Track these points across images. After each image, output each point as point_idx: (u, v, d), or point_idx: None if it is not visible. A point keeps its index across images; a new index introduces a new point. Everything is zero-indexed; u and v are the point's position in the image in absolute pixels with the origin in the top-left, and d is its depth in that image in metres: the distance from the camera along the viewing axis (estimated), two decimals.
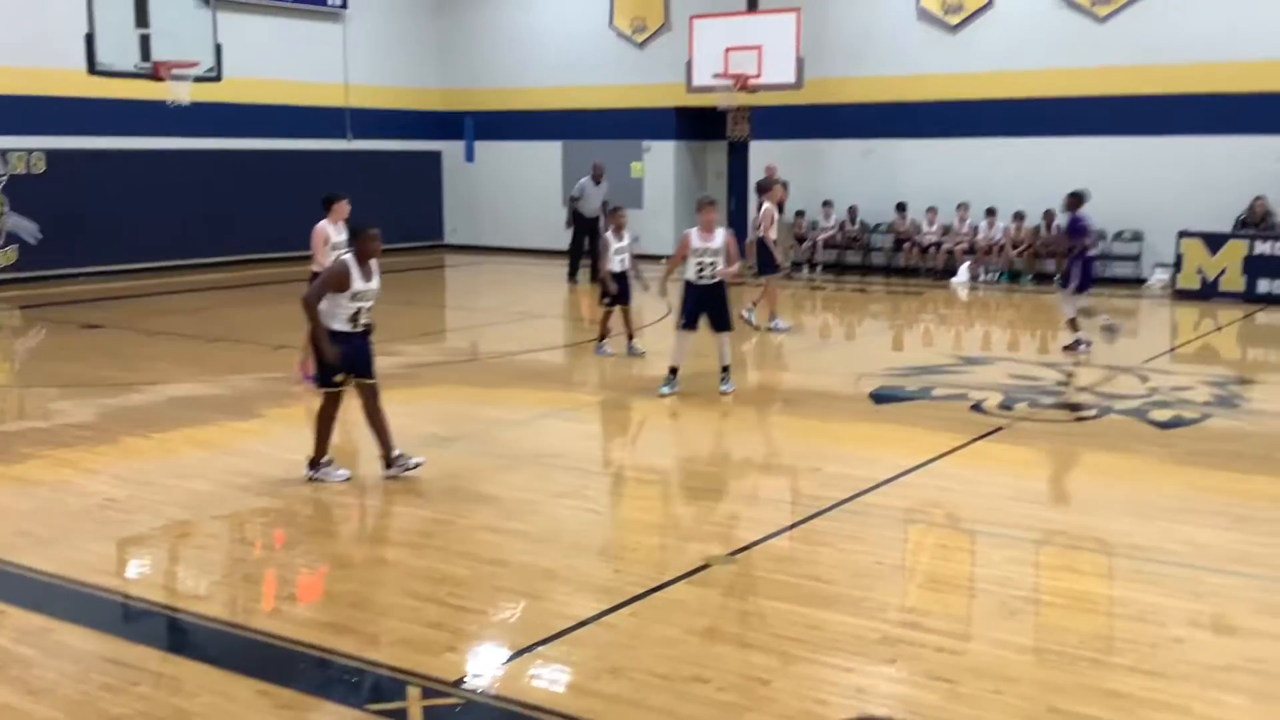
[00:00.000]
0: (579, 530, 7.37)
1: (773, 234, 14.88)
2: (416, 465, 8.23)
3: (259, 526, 7.47)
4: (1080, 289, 13.09)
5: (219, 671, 5.21)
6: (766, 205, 15.02)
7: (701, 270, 10.68)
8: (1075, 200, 13.07)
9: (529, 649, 5.40)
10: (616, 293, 12.71)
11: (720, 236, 10.70)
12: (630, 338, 13.04)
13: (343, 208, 11.52)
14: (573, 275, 20.83)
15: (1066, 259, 13.21)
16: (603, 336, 13.12)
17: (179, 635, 5.82)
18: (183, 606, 6.06)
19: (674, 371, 10.98)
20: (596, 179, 20.96)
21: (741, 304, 14.43)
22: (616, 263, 12.74)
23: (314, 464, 8.21)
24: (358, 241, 8.05)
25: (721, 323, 10.88)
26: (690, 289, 10.80)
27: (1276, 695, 4.99)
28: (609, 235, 12.85)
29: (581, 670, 5.23)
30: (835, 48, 21.68)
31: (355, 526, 7.72)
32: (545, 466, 8.76)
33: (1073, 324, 13.27)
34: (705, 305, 10.77)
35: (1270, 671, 5.16)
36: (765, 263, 14.98)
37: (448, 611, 5.84)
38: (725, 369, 11.05)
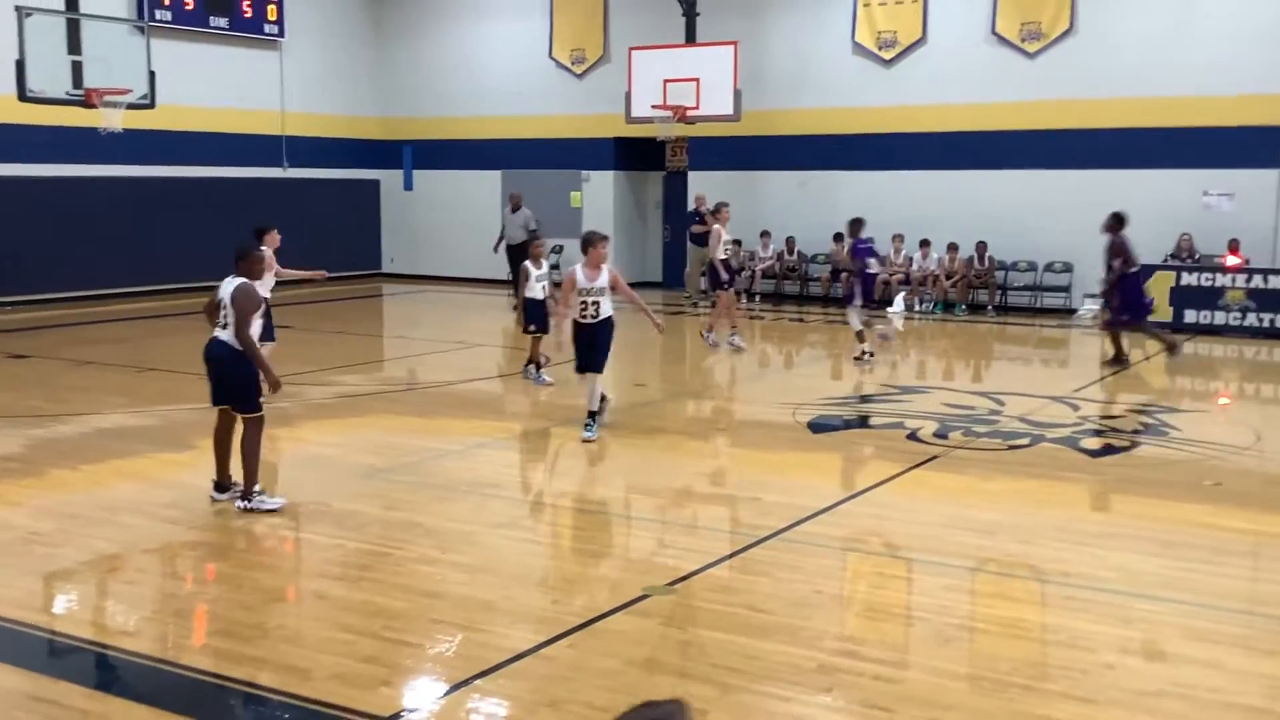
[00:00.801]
0: (517, 561, 7.33)
1: (720, 254, 15.63)
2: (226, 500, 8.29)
3: (190, 560, 7.34)
4: (863, 304, 14.94)
5: (147, 709, 5.10)
6: (716, 227, 15.88)
7: (584, 309, 10.28)
8: (856, 226, 15.07)
9: (466, 682, 5.35)
10: (536, 321, 12.85)
11: (605, 275, 10.29)
12: (538, 366, 13.10)
13: (274, 237, 11.85)
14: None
15: (852, 277, 15.29)
16: (536, 365, 13.13)
17: (107, 672, 5.70)
18: (111, 643, 5.93)
19: (593, 415, 10.48)
20: (514, 208, 21.18)
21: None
22: (538, 290, 12.82)
23: (246, 495, 8.11)
24: (250, 262, 8.37)
25: (592, 363, 10.37)
26: (575, 328, 10.43)
27: None
28: (528, 264, 12.92)
29: (519, 703, 5.19)
30: (772, 80, 21.94)
31: (289, 560, 7.61)
32: (483, 497, 8.72)
33: (859, 336, 14.80)
34: (585, 343, 10.36)
35: (1198, 697, 5.25)
36: (714, 280, 15.99)
37: (383, 645, 5.78)
38: (592, 414, 10.44)
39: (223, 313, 8.13)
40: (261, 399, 8.15)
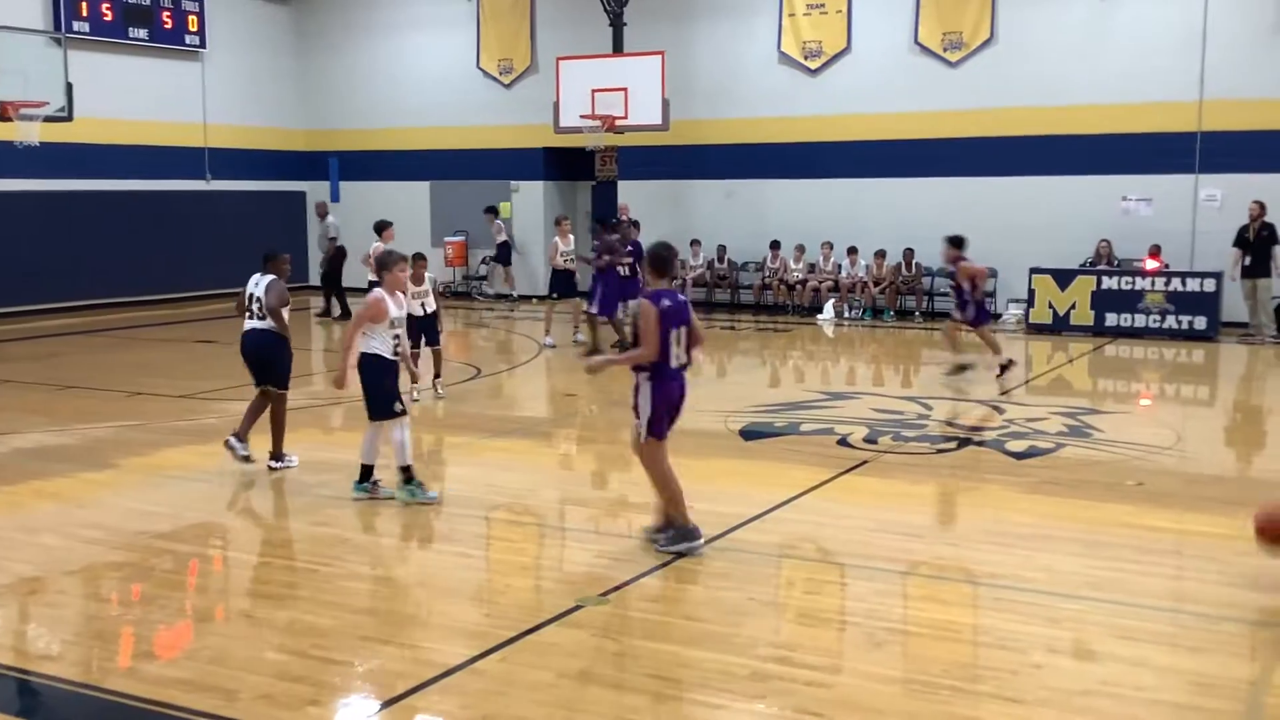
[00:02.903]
0: (448, 575, 7.26)
1: (558, 261, 17.22)
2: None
3: (113, 582, 7.18)
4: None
5: None
6: (555, 239, 17.38)
7: (399, 342, 8.75)
8: (614, 229, 17.13)
9: (397, 699, 5.28)
10: (413, 338, 12.41)
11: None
12: (436, 377, 12.96)
13: (392, 233, 14.38)
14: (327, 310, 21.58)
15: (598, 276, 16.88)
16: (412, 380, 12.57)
17: (29, 698, 5.55)
18: (32, 668, 5.77)
19: (370, 471, 8.84)
20: (320, 216, 21.62)
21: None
22: (416, 307, 12.50)
23: (277, 456, 9.56)
24: (279, 263, 9.60)
25: (402, 404, 8.92)
26: (389, 366, 8.71)
27: (1131, 718, 5.15)
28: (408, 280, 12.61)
29: (451, 719, 5.13)
30: (700, 90, 22.04)
31: (216, 579, 7.47)
32: (413, 511, 8.63)
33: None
34: (396, 381, 8.87)
35: (1125, 695, 5.33)
36: (551, 286, 17.73)
37: (311, 664, 5.69)
38: (408, 468, 8.80)
39: (255, 306, 9.41)
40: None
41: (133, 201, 22.53)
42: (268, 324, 9.43)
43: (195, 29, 23.87)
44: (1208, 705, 5.26)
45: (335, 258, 21.43)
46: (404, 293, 8.95)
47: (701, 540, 7.36)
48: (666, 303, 7.24)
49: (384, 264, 8.68)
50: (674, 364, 7.31)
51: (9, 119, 17.23)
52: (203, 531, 8.15)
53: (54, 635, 6.25)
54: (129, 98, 22.43)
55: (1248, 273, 17.57)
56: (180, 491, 8.98)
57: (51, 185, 21.18)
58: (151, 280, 22.60)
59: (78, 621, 6.48)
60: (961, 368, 14.07)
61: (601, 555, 7.61)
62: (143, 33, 22.85)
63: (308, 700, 5.28)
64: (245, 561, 7.59)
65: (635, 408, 7.39)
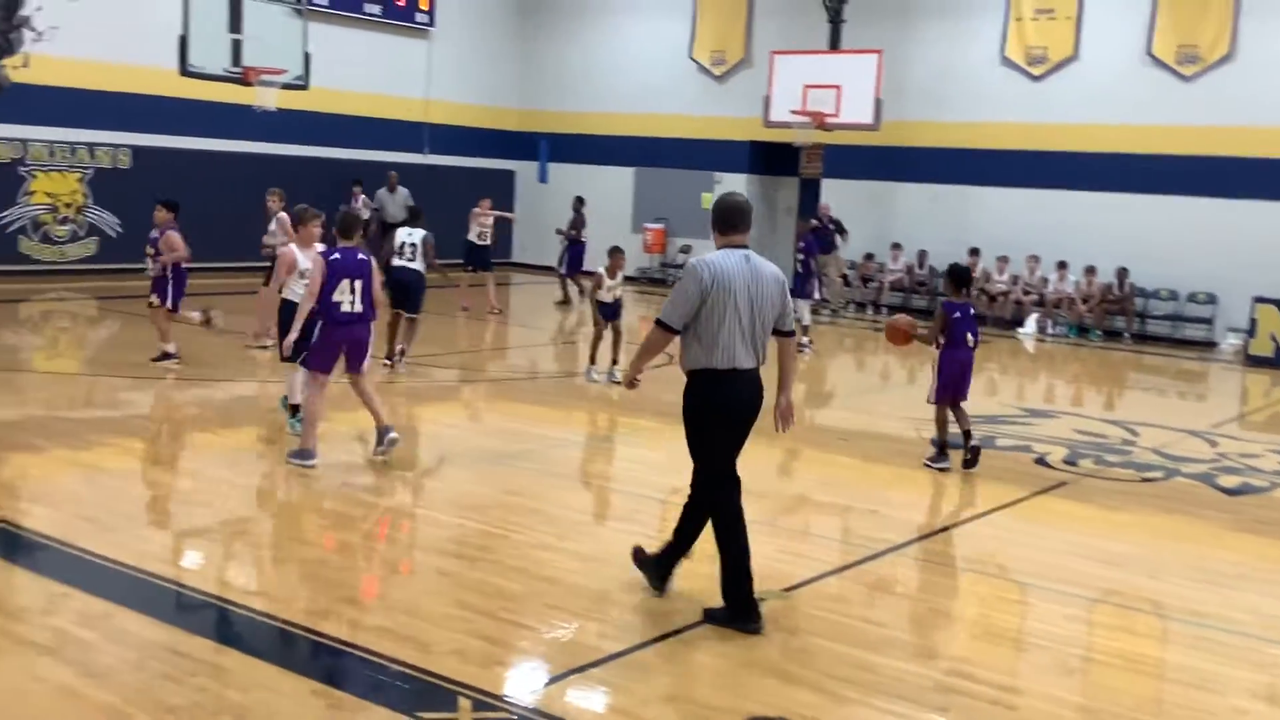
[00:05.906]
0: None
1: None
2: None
3: (318, 527, 7.55)
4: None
5: (273, 668, 5.27)
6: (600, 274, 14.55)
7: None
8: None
9: (579, 670, 5.40)
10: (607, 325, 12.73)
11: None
12: (615, 362, 12.87)
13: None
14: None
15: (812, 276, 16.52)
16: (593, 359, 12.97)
17: (235, 629, 5.89)
18: (240, 601, 6.12)
19: (298, 410, 9.29)
20: (390, 188, 22.01)
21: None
22: (607, 296, 12.66)
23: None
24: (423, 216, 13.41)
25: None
26: (287, 308, 9.32)
27: None
28: (603, 273, 12.71)
29: (629, 695, 5.21)
30: (914, 91, 21.63)
31: (413, 535, 7.77)
32: (600, 489, 8.80)
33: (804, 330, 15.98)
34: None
35: None
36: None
37: (500, 625, 5.86)
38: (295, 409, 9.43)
39: (409, 251, 12.66)
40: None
41: (355, 170, 23.46)
42: (417, 264, 12.58)
43: (426, 7, 24.75)
44: None
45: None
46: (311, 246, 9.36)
47: (313, 462, 8.43)
48: (336, 257, 8.43)
49: (299, 219, 9.59)
50: (344, 310, 8.42)
51: (250, 84, 18.17)
52: (402, 488, 8.49)
53: (261, 573, 6.61)
54: (358, 71, 23.40)
55: None
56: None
57: (282, 150, 22.25)
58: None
59: (285, 561, 6.84)
60: (167, 355, 12.32)
61: (782, 550, 7.58)
62: (376, 8, 23.81)
63: (497, 660, 5.45)
64: (440, 520, 7.86)
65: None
